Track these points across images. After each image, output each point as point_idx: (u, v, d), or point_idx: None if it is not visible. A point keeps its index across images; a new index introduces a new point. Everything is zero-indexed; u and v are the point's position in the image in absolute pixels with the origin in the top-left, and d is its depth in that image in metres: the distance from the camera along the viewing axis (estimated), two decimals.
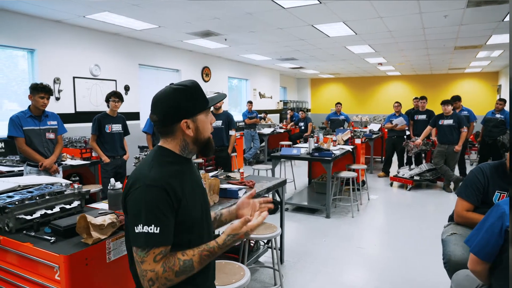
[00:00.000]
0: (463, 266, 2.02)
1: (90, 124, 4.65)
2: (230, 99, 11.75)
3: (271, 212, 4.95)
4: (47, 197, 1.95)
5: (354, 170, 5.72)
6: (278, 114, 14.82)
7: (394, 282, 3.27)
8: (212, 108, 5.43)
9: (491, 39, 7.76)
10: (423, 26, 6.65)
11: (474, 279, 1.68)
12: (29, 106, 3.68)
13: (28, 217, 1.81)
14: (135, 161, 4.84)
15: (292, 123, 11.56)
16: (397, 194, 6.54)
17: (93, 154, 4.93)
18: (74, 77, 6.42)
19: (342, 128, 8.56)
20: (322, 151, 5.16)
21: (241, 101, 12.46)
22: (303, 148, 5.77)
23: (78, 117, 6.49)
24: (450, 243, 2.22)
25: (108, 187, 2.13)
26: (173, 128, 1.29)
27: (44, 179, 2.32)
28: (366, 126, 9.76)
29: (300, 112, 11.25)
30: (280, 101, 15.26)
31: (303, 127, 10.88)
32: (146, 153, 4.81)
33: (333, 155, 5.09)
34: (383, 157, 9.64)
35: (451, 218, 2.53)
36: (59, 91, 6.15)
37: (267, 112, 12.56)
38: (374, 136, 8.31)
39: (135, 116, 7.70)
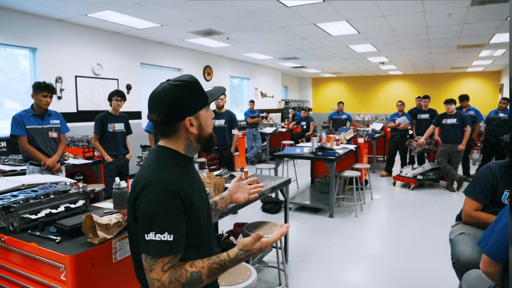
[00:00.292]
0: (473, 266, 1.99)
1: (92, 123, 4.63)
2: (232, 98, 11.72)
3: (274, 211, 4.96)
4: (51, 196, 1.93)
5: (357, 170, 5.69)
6: (280, 114, 14.80)
7: (398, 282, 3.24)
8: (214, 107, 5.42)
9: (494, 37, 7.73)
10: (427, 25, 6.61)
11: (486, 279, 1.65)
12: (32, 105, 3.66)
13: (33, 217, 1.79)
14: (137, 160, 4.82)
15: (294, 122, 11.53)
16: (400, 194, 6.51)
17: (96, 153, 4.91)
18: (76, 76, 6.40)
19: (344, 127, 8.53)
20: (325, 150, 5.14)
21: (243, 100, 12.44)
22: (306, 147, 5.74)
23: (80, 116, 6.47)
24: (459, 243, 2.19)
25: (113, 186, 2.11)
26: (175, 127, 1.23)
27: (48, 178, 2.29)
28: (368, 126, 9.72)
29: (302, 112, 11.21)
30: (282, 100, 15.24)
31: (305, 127, 10.85)
32: (148, 152, 4.79)
33: (336, 154, 5.06)
34: (385, 157, 9.61)
35: (458, 218, 2.50)
36: (61, 90, 6.14)
37: (268, 111, 12.54)
38: (376, 135, 8.28)
39: (137, 115, 7.69)
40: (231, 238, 3.62)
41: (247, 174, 3.34)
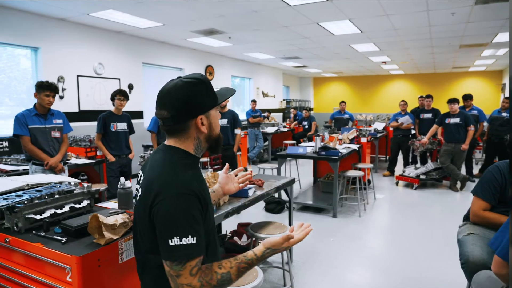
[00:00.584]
0: (482, 267, 1.97)
1: (94, 123, 4.61)
2: (233, 98, 11.69)
3: (277, 211, 4.93)
4: (56, 196, 1.91)
5: (360, 169, 5.67)
6: (281, 113, 14.78)
7: (403, 282, 3.22)
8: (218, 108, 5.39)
9: (497, 37, 7.70)
10: (430, 24, 6.59)
11: (497, 280, 1.63)
12: (35, 104, 3.64)
13: (38, 217, 1.77)
14: (140, 160, 4.81)
15: (296, 122, 11.51)
16: (403, 193, 6.48)
17: (98, 153, 4.89)
18: (78, 76, 6.38)
19: (347, 127, 8.50)
20: (329, 150, 5.11)
21: (244, 100, 12.42)
22: (309, 147, 5.72)
23: (82, 115, 6.46)
24: (468, 243, 2.17)
25: (118, 186, 2.09)
26: (186, 125, 1.20)
27: (53, 178, 2.27)
28: (370, 125, 9.70)
29: (304, 111, 11.19)
30: (283, 100, 15.21)
31: (306, 126, 10.83)
32: (151, 151, 4.76)
33: (340, 154, 5.04)
34: (388, 156, 9.59)
35: (466, 218, 2.48)
36: (63, 89, 6.12)
37: (270, 111, 12.52)
38: (378, 135, 8.25)
39: (139, 115, 7.67)
40: (235, 238, 3.60)
41: (251, 173, 3.31)
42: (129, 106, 6.48)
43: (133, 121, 4.87)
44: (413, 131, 7.79)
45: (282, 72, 14.88)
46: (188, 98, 1.17)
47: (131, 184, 2.17)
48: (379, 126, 9.09)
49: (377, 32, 7.25)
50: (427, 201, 5.89)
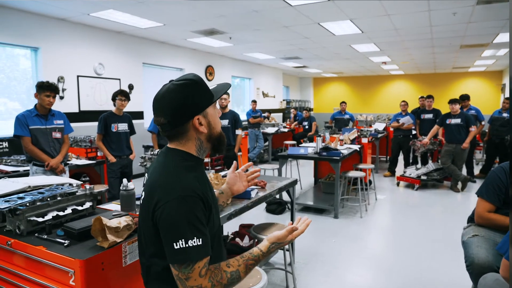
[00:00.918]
0: (488, 269, 1.95)
1: (94, 123, 4.59)
2: (233, 98, 11.68)
3: (279, 212, 4.91)
4: (58, 198, 1.89)
5: (361, 170, 5.65)
6: (281, 113, 14.77)
7: (404, 283, 3.20)
8: (218, 107, 5.38)
9: (498, 37, 7.69)
10: (431, 24, 6.57)
11: (505, 283, 1.61)
12: (36, 105, 3.61)
13: (40, 219, 1.75)
14: (141, 161, 4.78)
15: (296, 122, 11.49)
16: (404, 194, 6.47)
17: (99, 154, 4.87)
18: (78, 76, 6.36)
19: (347, 127, 8.49)
20: (330, 151, 5.10)
21: (244, 100, 12.41)
22: (310, 147, 5.70)
23: (82, 116, 6.44)
24: (473, 246, 2.15)
25: (121, 188, 2.07)
26: (185, 128, 1.18)
27: (54, 179, 2.25)
28: (371, 126, 9.69)
29: (304, 112, 11.18)
30: (283, 100, 15.19)
31: (306, 127, 10.82)
32: (152, 152, 4.74)
33: (341, 154, 5.02)
34: (388, 157, 9.57)
35: (470, 219, 2.46)
36: (63, 90, 6.10)
37: (270, 111, 12.50)
38: (379, 135, 8.24)
39: (139, 115, 7.65)
40: (237, 239, 3.58)
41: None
42: (129, 107, 6.44)
43: (133, 121, 4.85)
44: (413, 132, 7.78)
45: (282, 72, 14.86)
46: (181, 101, 1.16)
47: (133, 185, 2.15)
48: (380, 126, 9.08)
49: (378, 32, 7.24)
50: (428, 202, 5.87)
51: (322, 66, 13.31)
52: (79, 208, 1.94)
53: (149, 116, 7.84)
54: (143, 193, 1.22)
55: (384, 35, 7.51)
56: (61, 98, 6.06)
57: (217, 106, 5.30)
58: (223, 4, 5.23)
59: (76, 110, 6.37)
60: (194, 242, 1.06)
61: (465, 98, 7.21)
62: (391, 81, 16.38)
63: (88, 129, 6.17)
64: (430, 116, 7.49)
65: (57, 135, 3.70)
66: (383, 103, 16.42)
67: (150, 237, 1.15)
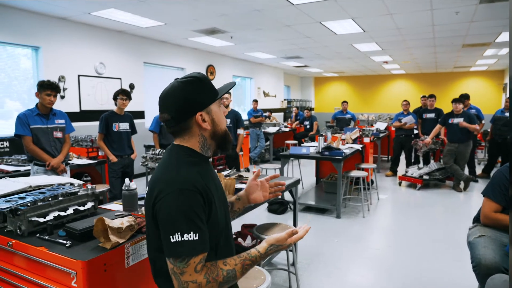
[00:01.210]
0: (495, 270, 1.93)
1: (95, 123, 4.57)
2: (234, 97, 11.66)
3: (280, 212, 4.88)
4: (60, 198, 1.86)
5: (363, 169, 5.63)
6: (282, 113, 14.74)
7: (407, 284, 3.18)
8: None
9: (501, 36, 7.65)
10: (433, 23, 6.54)
11: None
12: (37, 104, 3.59)
13: (41, 220, 1.72)
14: (142, 161, 4.76)
15: (297, 122, 11.46)
16: (406, 194, 6.44)
17: (100, 153, 4.85)
18: (79, 75, 6.34)
19: (349, 127, 8.46)
20: (332, 150, 5.07)
21: (245, 100, 12.38)
22: (312, 147, 5.67)
23: (83, 115, 6.42)
24: (479, 246, 2.12)
25: (123, 188, 2.04)
26: (188, 124, 1.20)
27: (56, 179, 2.23)
28: (372, 125, 9.65)
29: (305, 111, 11.15)
30: (284, 99, 15.17)
31: (308, 126, 10.79)
32: (153, 152, 4.72)
33: (343, 154, 5.00)
34: (390, 156, 9.55)
35: (476, 220, 2.43)
36: (64, 89, 6.08)
37: (271, 110, 12.47)
38: (381, 135, 8.21)
39: (140, 115, 7.63)
40: (239, 239, 3.56)
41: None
42: (130, 106, 6.42)
43: (134, 121, 4.83)
44: (415, 131, 7.74)
45: (283, 72, 14.84)
46: (185, 97, 1.18)
47: (135, 185, 2.13)
48: (381, 126, 9.05)
49: (380, 31, 7.21)
50: (431, 202, 5.85)
51: (323, 66, 13.28)
52: (81, 208, 1.92)
53: (150, 115, 7.81)
54: (147, 189, 1.23)
55: (386, 34, 7.48)
56: (62, 97, 6.04)
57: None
58: (224, 3, 5.21)
59: (77, 110, 6.35)
60: (190, 236, 1.05)
61: (465, 97, 7.16)
62: (392, 80, 16.34)
63: (89, 129, 6.15)
64: (432, 115, 7.46)
65: (58, 134, 3.68)
66: (384, 102, 16.39)
67: (153, 232, 1.16)
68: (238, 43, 8.41)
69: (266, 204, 5.31)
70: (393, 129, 8.22)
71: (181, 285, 1.06)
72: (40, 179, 2.21)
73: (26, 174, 3.78)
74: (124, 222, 1.60)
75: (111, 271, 1.50)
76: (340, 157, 4.86)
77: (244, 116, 9.85)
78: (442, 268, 3.47)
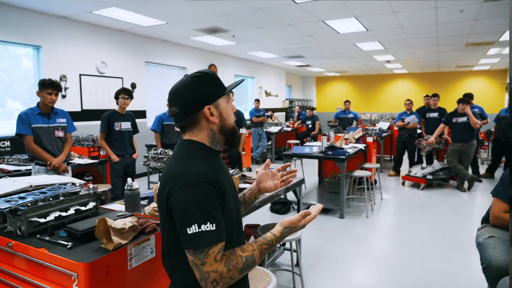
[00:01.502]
0: (506, 272, 1.88)
1: (97, 122, 4.53)
2: (236, 97, 11.61)
3: (283, 212, 4.83)
4: (61, 198, 1.83)
5: (366, 169, 5.58)
6: (284, 113, 14.69)
7: (413, 285, 3.13)
8: None
9: (505, 35, 7.59)
10: (437, 22, 6.49)
11: None
12: (38, 103, 3.55)
13: (42, 220, 1.68)
14: (144, 160, 4.73)
15: (299, 121, 11.41)
16: (410, 194, 6.38)
17: (101, 153, 4.81)
18: (80, 75, 6.31)
19: (352, 126, 8.41)
20: (336, 150, 5.02)
21: (247, 99, 12.34)
22: (315, 146, 5.63)
23: (85, 115, 6.38)
24: (489, 247, 2.08)
25: (125, 188, 2.00)
26: (196, 118, 1.21)
27: (57, 178, 2.19)
28: (375, 125, 9.60)
29: (307, 110, 11.09)
30: (286, 99, 15.12)
31: (310, 126, 10.74)
32: (155, 151, 4.69)
33: (347, 153, 4.95)
34: (392, 156, 9.49)
35: (485, 220, 2.39)
36: (65, 88, 6.05)
37: (273, 110, 12.43)
38: (384, 134, 8.16)
39: (142, 114, 7.59)
40: None
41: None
42: (131, 106, 6.39)
43: (136, 120, 4.79)
44: (419, 131, 7.69)
45: (285, 71, 14.79)
46: (194, 90, 1.21)
47: (138, 185, 2.09)
48: (384, 125, 8.99)
49: (383, 30, 7.16)
50: (435, 202, 5.80)
51: (325, 65, 13.23)
52: (82, 208, 1.88)
53: (152, 115, 7.77)
54: (159, 184, 1.23)
55: (389, 33, 7.43)
56: (64, 97, 6.01)
57: None
58: (226, 2, 5.17)
59: (79, 109, 6.31)
60: (207, 227, 1.06)
61: (470, 97, 7.07)
62: (394, 80, 16.28)
63: (90, 128, 6.12)
64: (435, 115, 7.40)
65: (60, 134, 3.64)
66: (386, 102, 16.33)
67: (167, 227, 1.17)
68: (240, 42, 8.37)
69: (268, 204, 5.27)
70: (395, 128, 8.17)
71: (203, 275, 1.07)
72: (41, 178, 2.17)
73: (27, 173, 3.75)
74: (127, 222, 1.56)
75: (113, 273, 1.46)
76: (344, 157, 4.82)
77: (246, 116, 9.84)
78: (446, 269, 3.43)
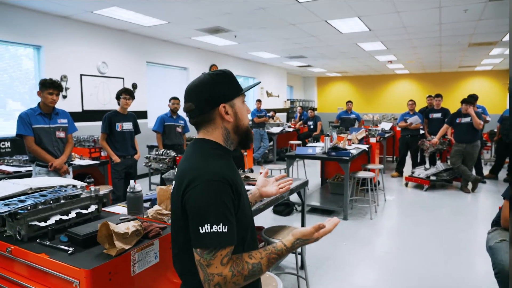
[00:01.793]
0: None
1: (98, 123, 4.48)
2: None
3: (286, 213, 4.77)
4: (62, 201, 1.77)
5: (369, 170, 5.52)
6: (285, 113, 14.64)
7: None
8: None
9: (508, 35, 7.53)
10: (440, 22, 6.44)
11: None
12: (39, 103, 3.49)
13: (42, 224, 1.63)
14: (145, 161, 4.67)
15: (301, 122, 11.36)
16: (413, 195, 6.33)
17: (102, 154, 4.76)
18: (81, 75, 6.26)
19: (354, 127, 8.36)
20: (339, 151, 4.97)
21: (248, 100, 12.27)
22: (318, 147, 5.57)
23: (85, 115, 6.34)
24: (501, 251, 2.02)
25: (128, 190, 1.95)
26: (211, 115, 1.21)
27: (57, 181, 2.14)
28: (377, 125, 9.54)
29: (309, 111, 11.04)
30: (287, 99, 15.07)
31: (312, 126, 10.68)
32: (156, 152, 4.63)
33: (350, 154, 4.90)
34: (395, 157, 9.44)
35: (496, 223, 2.33)
36: (66, 89, 6.00)
37: (275, 111, 12.37)
38: (386, 135, 8.10)
39: (143, 114, 7.54)
40: None
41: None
42: (132, 106, 6.35)
43: (137, 121, 4.74)
44: (421, 131, 7.63)
45: (286, 72, 14.74)
46: (211, 88, 1.21)
47: (141, 187, 2.04)
48: (386, 126, 8.94)
49: (386, 30, 7.11)
50: (439, 203, 5.74)
51: (326, 65, 13.18)
52: (84, 211, 1.83)
53: (153, 115, 7.73)
54: (174, 183, 1.21)
55: (392, 33, 7.38)
56: (64, 97, 5.97)
57: None
58: (229, 1, 5.12)
59: (79, 110, 6.27)
60: (219, 228, 1.04)
61: (474, 98, 6.99)
62: (396, 80, 16.22)
63: (91, 129, 6.07)
64: (438, 115, 7.34)
65: (61, 134, 3.58)
66: (388, 102, 16.26)
67: (180, 225, 1.14)
68: (241, 42, 8.32)
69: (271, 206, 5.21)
70: (398, 129, 8.11)
71: (207, 277, 1.04)
72: (41, 181, 2.12)
73: (28, 175, 3.70)
74: (130, 227, 1.51)
75: (116, 280, 1.41)
76: (348, 158, 4.76)
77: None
78: (451, 271, 3.38)
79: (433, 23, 6.57)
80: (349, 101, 9.51)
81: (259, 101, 9.60)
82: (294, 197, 4.68)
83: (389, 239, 4.34)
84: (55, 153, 3.51)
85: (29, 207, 1.64)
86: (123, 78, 7.07)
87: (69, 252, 1.45)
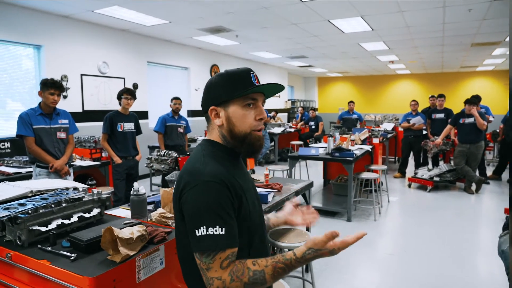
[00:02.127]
0: None
1: (98, 123, 4.43)
2: None
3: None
4: (63, 204, 1.71)
5: (373, 171, 5.47)
6: (286, 113, 14.59)
7: None
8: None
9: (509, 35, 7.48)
10: (444, 21, 6.39)
11: None
12: (40, 104, 3.44)
13: (43, 229, 1.57)
14: (147, 162, 4.62)
15: (302, 122, 11.30)
16: (417, 196, 6.27)
17: (104, 155, 4.71)
18: (81, 75, 6.21)
19: (356, 127, 8.30)
20: (343, 151, 4.92)
21: None
22: (321, 148, 5.52)
23: (86, 116, 6.28)
24: None
25: (131, 192, 1.90)
26: (208, 116, 1.20)
27: (58, 183, 2.08)
28: (379, 126, 9.49)
29: (310, 111, 10.99)
30: (288, 100, 15.02)
31: (313, 127, 10.64)
32: (158, 152, 4.58)
33: (354, 155, 4.84)
34: (397, 157, 9.39)
35: (507, 227, 2.27)
36: (67, 89, 5.94)
37: (276, 111, 12.32)
38: (389, 135, 8.05)
39: (144, 115, 7.48)
40: None
41: (267, 177, 3.13)
42: (133, 106, 6.29)
43: (139, 121, 4.69)
44: (424, 132, 7.58)
45: (287, 72, 14.69)
46: (209, 89, 1.20)
47: (144, 190, 1.98)
48: (388, 126, 8.89)
49: (388, 29, 7.05)
50: (442, 204, 5.69)
51: (328, 66, 13.13)
52: (86, 215, 1.77)
53: (154, 115, 7.67)
54: (175, 184, 1.18)
55: (394, 33, 7.33)
56: (65, 97, 5.91)
57: None
58: (231, 0, 5.07)
59: (80, 110, 6.21)
60: (216, 230, 1.00)
61: (478, 99, 6.93)
62: (397, 80, 16.16)
63: (92, 129, 6.02)
64: (441, 115, 7.29)
65: (62, 135, 3.53)
66: (389, 103, 16.21)
67: (182, 228, 1.11)
68: (243, 42, 8.27)
69: None
70: (400, 129, 8.05)
71: (207, 281, 1.02)
72: (42, 183, 2.06)
73: (28, 176, 3.64)
74: (134, 232, 1.46)
75: (120, 287, 1.35)
76: (351, 159, 4.71)
77: None
78: (455, 273, 3.34)
79: (436, 23, 6.52)
80: (351, 101, 9.46)
81: None
82: (298, 198, 4.63)
83: (393, 241, 4.28)
84: (56, 154, 3.46)
85: (29, 211, 1.58)
86: (124, 78, 7.02)
87: (72, 258, 1.39)
